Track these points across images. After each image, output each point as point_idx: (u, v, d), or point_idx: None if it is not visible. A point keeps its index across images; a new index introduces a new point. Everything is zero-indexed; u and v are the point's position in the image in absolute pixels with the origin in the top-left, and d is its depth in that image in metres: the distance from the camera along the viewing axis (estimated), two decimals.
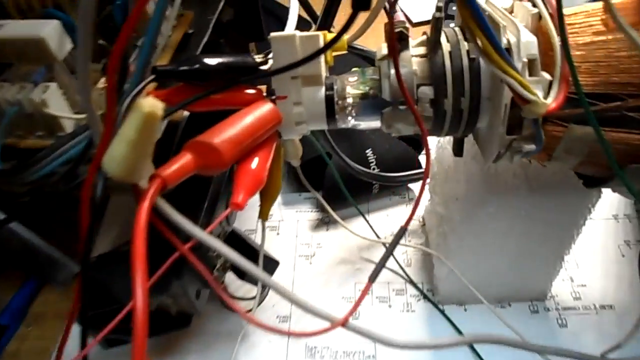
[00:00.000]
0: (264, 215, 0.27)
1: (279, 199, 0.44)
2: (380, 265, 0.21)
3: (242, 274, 0.32)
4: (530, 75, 0.19)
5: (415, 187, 0.43)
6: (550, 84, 0.19)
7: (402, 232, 0.21)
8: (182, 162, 0.19)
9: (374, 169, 0.39)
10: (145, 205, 0.17)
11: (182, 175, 0.19)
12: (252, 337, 0.35)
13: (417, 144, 0.42)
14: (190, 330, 0.35)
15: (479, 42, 0.17)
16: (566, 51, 0.18)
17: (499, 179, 0.26)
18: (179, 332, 0.35)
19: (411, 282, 0.36)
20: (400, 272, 0.37)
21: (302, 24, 0.53)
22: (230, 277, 0.36)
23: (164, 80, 0.22)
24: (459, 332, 0.33)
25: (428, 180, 0.36)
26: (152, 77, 0.20)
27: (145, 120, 0.15)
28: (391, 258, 0.38)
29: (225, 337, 0.34)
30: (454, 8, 0.23)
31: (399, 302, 0.35)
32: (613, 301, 0.34)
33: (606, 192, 0.41)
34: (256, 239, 0.41)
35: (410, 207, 0.42)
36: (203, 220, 0.29)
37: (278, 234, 0.41)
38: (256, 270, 0.19)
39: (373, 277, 0.20)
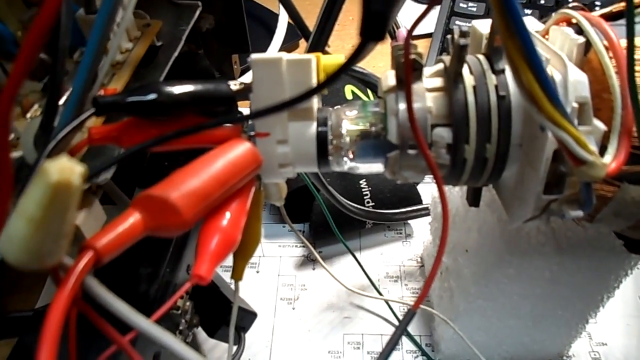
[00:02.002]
0: (237, 274, 0.22)
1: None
2: (390, 347, 0.16)
3: (211, 332, 0.27)
4: (579, 123, 0.15)
5: (413, 222, 0.38)
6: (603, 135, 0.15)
7: (411, 316, 0.17)
8: (125, 227, 0.15)
9: (368, 202, 0.35)
10: (64, 296, 0.12)
11: (124, 243, 0.15)
12: None
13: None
14: None
15: (524, 84, 0.13)
16: (634, 95, 0.14)
17: (520, 235, 0.22)
18: None
19: (408, 335, 0.32)
20: (396, 322, 0.33)
21: (293, 34, 0.48)
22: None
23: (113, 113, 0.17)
24: None
25: (429, 220, 0.32)
26: (91, 111, 0.15)
27: (52, 193, 0.10)
28: (385, 305, 0.33)
29: None
30: (448, 35, 0.18)
31: (394, 359, 0.31)
32: None
33: None
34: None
35: (407, 244, 0.37)
36: (165, 271, 0.24)
37: (258, 272, 0.36)
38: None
39: None
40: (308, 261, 0.37)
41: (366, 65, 0.36)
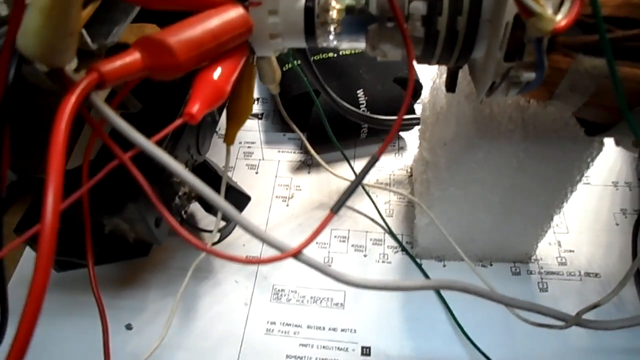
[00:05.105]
0: (229, 138, 0.24)
1: (262, 137, 0.41)
2: (346, 195, 0.18)
3: (208, 206, 0.30)
4: None
5: (407, 135, 0.40)
6: (562, 2, 0.16)
7: (374, 160, 0.19)
8: (127, 60, 0.17)
9: (363, 111, 0.36)
10: (71, 101, 0.15)
11: (125, 74, 0.17)
12: (218, 275, 0.33)
13: (414, 89, 0.39)
14: (152, 262, 0.34)
15: None
16: None
17: (492, 122, 0.24)
18: (140, 265, 0.33)
19: (390, 232, 0.34)
20: (380, 221, 0.35)
21: None
22: (201, 213, 0.35)
23: None
24: None
25: (418, 127, 0.34)
26: None
27: None
28: (372, 207, 0.36)
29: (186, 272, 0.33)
30: None
31: (375, 252, 0.34)
32: (599, 269, 0.32)
33: (608, 156, 0.39)
34: (234, 176, 0.39)
35: (399, 156, 0.39)
36: (168, 144, 0.27)
37: (257, 172, 0.39)
38: (202, 186, 0.17)
39: (336, 208, 0.18)
40: (304, 166, 0.39)
41: None
